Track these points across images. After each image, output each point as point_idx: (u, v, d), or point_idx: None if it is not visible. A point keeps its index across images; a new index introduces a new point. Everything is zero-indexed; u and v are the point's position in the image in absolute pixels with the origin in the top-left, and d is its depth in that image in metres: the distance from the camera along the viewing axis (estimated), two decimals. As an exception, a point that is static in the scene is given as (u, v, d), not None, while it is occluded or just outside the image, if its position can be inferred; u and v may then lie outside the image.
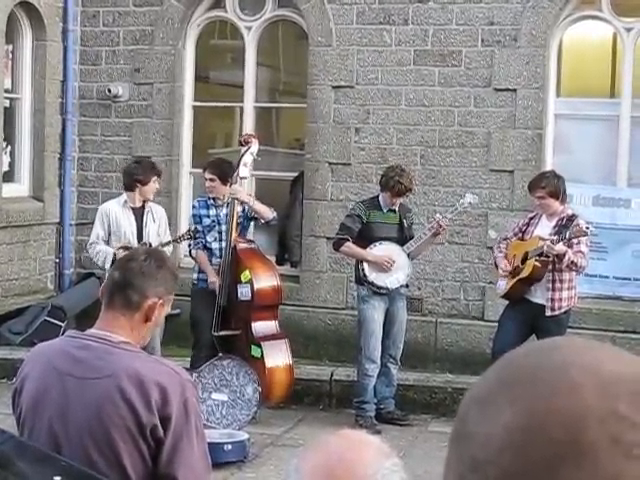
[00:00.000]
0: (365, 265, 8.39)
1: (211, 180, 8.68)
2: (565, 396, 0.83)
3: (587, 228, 7.66)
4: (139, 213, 8.57)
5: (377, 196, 8.55)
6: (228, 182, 8.61)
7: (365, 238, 8.40)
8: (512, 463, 0.82)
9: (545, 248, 7.69)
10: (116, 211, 8.57)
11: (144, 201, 8.60)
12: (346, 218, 8.60)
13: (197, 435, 3.03)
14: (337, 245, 8.55)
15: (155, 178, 8.61)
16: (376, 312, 8.38)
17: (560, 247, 7.66)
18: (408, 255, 8.45)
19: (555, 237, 7.72)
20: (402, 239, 8.45)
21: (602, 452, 0.80)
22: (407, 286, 8.68)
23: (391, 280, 8.36)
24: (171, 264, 3.40)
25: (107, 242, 8.46)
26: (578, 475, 0.80)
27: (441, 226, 8.29)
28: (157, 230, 8.53)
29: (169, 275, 3.25)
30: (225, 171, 8.68)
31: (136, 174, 8.60)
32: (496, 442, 0.84)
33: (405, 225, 8.49)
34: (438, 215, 8.53)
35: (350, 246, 8.43)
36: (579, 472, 0.80)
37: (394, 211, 8.47)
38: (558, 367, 0.86)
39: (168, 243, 8.47)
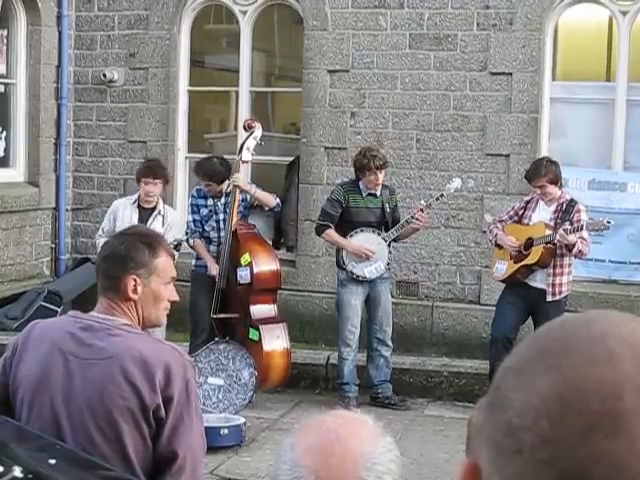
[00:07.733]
0: (344, 253, 8.38)
1: (207, 185, 8.68)
2: (602, 365, 0.82)
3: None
4: (147, 214, 8.57)
5: (358, 179, 8.48)
6: (223, 181, 8.59)
7: (344, 222, 8.37)
8: (548, 431, 0.82)
9: (558, 237, 7.71)
10: (123, 208, 8.62)
11: (156, 203, 8.60)
12: (326, 202, 8.56)
13: (196, 415, 3.08)
14: (319, 231, 8.54)
15: (147, 179, 8.54)
16: (353, 297, 8.38)
17: (572, 238, 7.69)
18: (389, 244, 8.42)
19: (569, 227, 7.73)
20: (383, 224, 8.41)
21: (638, 422, 0.80)
22: (389, 268, 8.66)
23: (370, 270, 8.33)
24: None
25: None
26: (613, 444, 0.79)
27: (420, 220, 8.27)
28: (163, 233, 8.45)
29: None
30: (218, 173, 8.60)
31: (137, 172, 8.78)
32: (532, 410, 0.83)
33: (387, 210, 8.43)
34: (422, 202, 8.52)
35: (330, 234, 8.41)
36: (614, 441, 0.80)
37: (375, 195, 8.43)
38: (595, 337, 0.85)
39: None
